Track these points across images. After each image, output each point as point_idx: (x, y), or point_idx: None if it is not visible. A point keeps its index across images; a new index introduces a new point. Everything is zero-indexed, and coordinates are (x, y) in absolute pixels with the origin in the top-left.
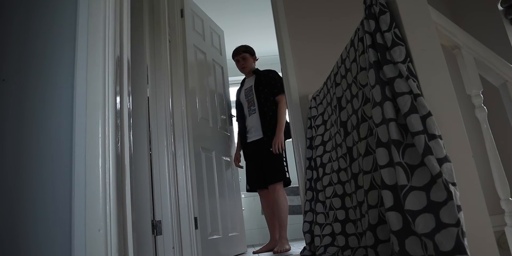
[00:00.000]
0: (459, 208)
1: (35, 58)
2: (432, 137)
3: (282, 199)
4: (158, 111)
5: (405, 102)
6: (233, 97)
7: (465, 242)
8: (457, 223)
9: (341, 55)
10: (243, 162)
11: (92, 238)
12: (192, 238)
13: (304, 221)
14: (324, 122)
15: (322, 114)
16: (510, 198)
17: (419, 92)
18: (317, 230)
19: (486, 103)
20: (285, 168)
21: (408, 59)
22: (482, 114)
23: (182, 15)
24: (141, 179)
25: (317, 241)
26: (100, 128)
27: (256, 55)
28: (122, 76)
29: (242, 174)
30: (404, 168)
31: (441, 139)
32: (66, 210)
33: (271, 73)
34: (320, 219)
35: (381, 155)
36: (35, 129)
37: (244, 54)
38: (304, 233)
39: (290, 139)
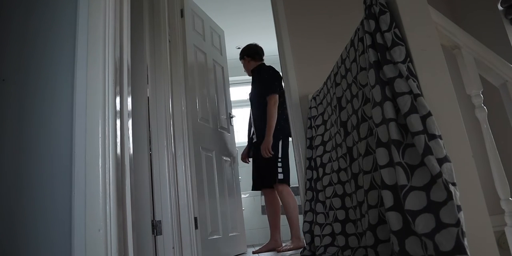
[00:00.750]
0: (459, 208)
1: (35, 58)
2: (432, 137)
3: (287, 198)
4: (158, 111)
5: (405, 102)
6: (233, 97)
7: (465, 242)
8: (457, 223)
9: (341, 55)
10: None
11: (92, 238)
12: (192, 238)
13: (304, 221)
14: (324, 122)
15: (322, 114)
16: (510, 198)
17: (419, 92)
18: (317, 230)
19: (486, 103)
20: (279, 169)
21: (408, 59)
22: (482, 114)
23: (182, 15)
24: (141, 179)
25: (317, 241)
26: (100, 128)
27: None
28: (122, 76)
29: (242, 174)
30: (404, 168)
31: (441, 139)
32: (66, 210)
33: (262, 72)
34: (320, 219)
35: (381, 155)
36: (35, 129)
37: (242, 61)
38: (304, 233)
39: (291, 138)
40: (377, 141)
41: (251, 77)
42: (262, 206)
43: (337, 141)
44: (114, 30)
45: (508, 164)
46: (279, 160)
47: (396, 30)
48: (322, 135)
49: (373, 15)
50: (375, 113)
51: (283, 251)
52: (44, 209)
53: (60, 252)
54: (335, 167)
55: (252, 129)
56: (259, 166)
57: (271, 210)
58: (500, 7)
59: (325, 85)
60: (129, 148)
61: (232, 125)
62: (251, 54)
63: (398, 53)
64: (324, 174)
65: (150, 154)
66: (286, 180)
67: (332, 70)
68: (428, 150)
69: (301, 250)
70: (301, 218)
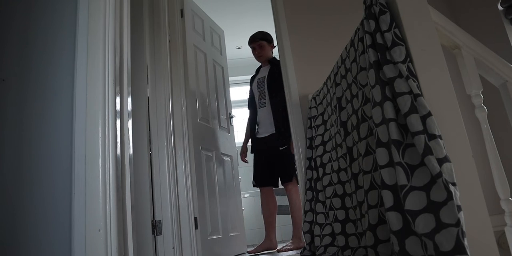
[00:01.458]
0: (459, 208)
1: (35, 58)
2: (432, 137)
3: (295, 197)
4: (158, 111)
5: (405, 102)
6: (233, 97)
7: (465, 242)
8: (457, 223)
9: (341, 55)
10: (249, 157)
11: (92, 238)
12: (192, 238)
13: (304, 221)
14: (324, 122)
15: (322, 114)
16: (510, 198)
17: (419, 92)
18: (317, 230)
19: (486, 103)
20: (295, 166)
21: (408, 59)
22: (482, 114)
23: (182, 15)
24: (141, 179)
25: (317, 241)
26: (100, 128)
27: None
28: (122, 76)
29: (242, 174)
30: (404, 168)
31: (441, 139)
32: (66, 210)
33: None
34: (320, 219)
35: (381, 155)
36: (35, 129)
37: (261, 42)
38: (304, 233)
39: None
40: (377, 141)
41: (252, 71)
42: None
43: (337, 141)
44: (114, 30)
45: (508, 164)
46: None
47: (396, 30)
48: (322, 135)
49: (373, 15)
50: (375, 113)
51: (283, 251)
52: (44, 209)
53: (60, 252)
54: (335, 167)
55: (261, 123)
56: (270, 161)
57: (268, 209)
58: (500, 7)
59: (325, 85)
60: (129, 148)
61: (232, 125)
62: (271, 41)
63: (398, 53)
64: (324, 174)
65: (150, 154)
66: (297, 178)
67: (332, 70)
68: (428, 150)
69: (301, 250)
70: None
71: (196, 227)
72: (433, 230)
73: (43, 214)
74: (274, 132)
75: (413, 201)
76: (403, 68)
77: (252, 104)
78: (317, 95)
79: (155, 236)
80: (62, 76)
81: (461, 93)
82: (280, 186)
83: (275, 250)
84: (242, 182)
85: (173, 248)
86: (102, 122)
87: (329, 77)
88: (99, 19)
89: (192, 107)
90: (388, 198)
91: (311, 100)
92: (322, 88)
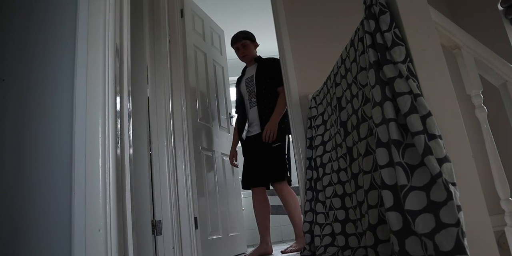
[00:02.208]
0: (459, 208)
1: (35, 58)
2: (432, 137)
3: (288, 197)
4: (158, 111)
5: (405, 102)
6: (233, 97)
7: (465, 242)
8: (457, 223)
9: (341, 55)
10: (240, 160)
11: (92, 238)
12: (192, 238)
13: (304, 221)
14: (324, 122)
15: (322, 114)
16: (510, 198)
17: (419, 92)
18: (317, 230)
19: (486, 103)
20: (287, 166)
21: (408, 59)
22: (482, 114)
23: (182, 15)
24: (141, 179)
25: (317, 241)
26: (100, 128)
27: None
28: (122, 76)
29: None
30: (404, 168)
31: (441, 139)
32: (66, 210)
33: (275, 62)
34: (320, 219)
35: (381, 155)
36: (35, 129)
37: (244, 41)
38: (304, 233)
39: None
40: (377, 141)
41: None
42: None
43: (337, 141)
44: (114, 31)
45: (508, 164)
46: (286, 156)
47: (396, 30)
48: (322, 135)
49: (373, 15)
50: (375, 113)
51: (288, 252)
52: (44, 209)
53: (60, 252)
54: (335, 167)
55: (253, 123)
56: (258, 160)
57: (262, 211)
58: (500, 7)
59: (325, 85)
60: (129, 148)
61: (232, 125)
62: (254, 39)
63: (398, 53)
64: (324, 174)
65: (150, 154)
66: (289, 178)
67: (332, 70)
68: (428, 150)
69: (301, 250)
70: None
71: (196, 227)
72: (433, 230)
73: (43, 214)
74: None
75: (413, 201)
76: (403, 68)
77: (240, 106)
78: (317, 95)
79: (155, 236)
80: (62, 76)
81: (461, 93)
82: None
83: (271, 254)
84: None
85: (173, 248)
86: (102, 122)
87: (329, 77)
88: (99, 19)
89: (192, 107)
90: (388, 198)
91: (311, 100)
92: (322, 88)
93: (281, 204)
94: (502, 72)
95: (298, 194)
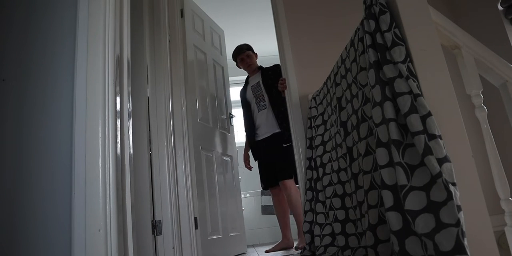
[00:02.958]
0: (459, 208)
1: (35, 58)
2: (432, 137)
3: (296, 196)
4: (158, 111)
5: (405, 102)
6: (233, 97)
7: (465, 242)
8: (457, 223)
9: (341, 55)
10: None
11: (92, 238)
12: (192, 238)
13: (304, 221)
14: (324, 122)
15: (322, 114)
16: (510, 198)
17: (419, 92)
18: (317, 230)
19: (486, 103)
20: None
21: (408, 59)
22: (482, 114)
23: (182, 15)
24: (141, 179)
25: (317, 241)
26: (100, 128)
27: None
28: (122, 76)
29: (242, 174)
30: (404, 168)
31: (441, 139)
32: (66, 210)
33: (279, 67)
34: (320, 219)
35: (381, 155)
36: (35, 129)
37: (248, 52)
38: (304, 233)
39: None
40: (377, 141)
41: (245, 76)
42: (262, 206)
43: (337, 141)
44: (114, 30)
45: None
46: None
47: (396, 30)
48: (322, 135)
49: (373, 15)
50: (375, 113)
51: (299, 249)
52: (44, 209)
53: (60, 252)
54: (335, 167)
55: (261, 125)
56: (272, 161)
57: (281, 210)
58: (500, 7)
59: (325, 85)
60: (129, 148)
61: (232, 125)
62: (254, 51)
63: (398, 53)
64: (324, 174)
65: (150, 154)
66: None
67: (332, 70)
68: (428, 150)
69: (301, 250)
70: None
71: (196, 227)
72: (433, 230)
73: (43, 214)
74: (277, 131)
75: (413, 201)
76: (403, 68)
77: (247, 115)
78: (317, 95)
79: (155, 236)
80: (62, 76)
81: (461, 93)
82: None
83: (293, 248)
84: (242, 182)
85: (173, 248)
86: (102, 122)
87: (329, 77)
88: (99, 19)
89: (192, 107)
90: (388, 198)
91: (311, 100)
92: (322, 88)
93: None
94: (502, 72)
95: None
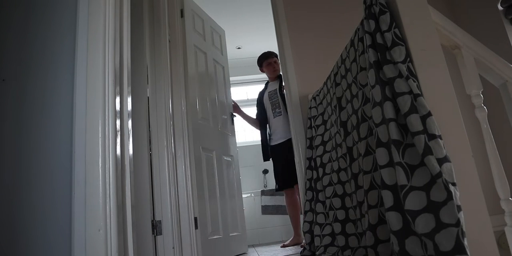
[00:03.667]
0: (459, 208)
1: (35, 58)
2: (432, 137)
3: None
4: (158, 112)
5: (405, 102)
6: (234, 97)
7: (465, 242)
8: (457, 223)
9: (341, 55)
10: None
11: (92, 238)
12: (192, 238)
13: (304, 221)
14: (324, 122)
15: (322, 114)
16: (510, 198)
17: (419, 92)
18: (317, 230)
19: (486, 103)
20: None
21: (408, 59)
22: (482, 114)
23: (182, 15)
24: (141, 179)
25: (317, 241)
26: (100, 129)
27: (256, 55)
28: (122, 76)
29: (242, 174)
30: (404, 168)
31: (441, 139)
32: (66, 210)
33: None
34: (320, 219)
35: (381, 155)
36: (35, 129)
37: (276, 58)
38: (304, 233)
39: None
40: (377, 141)
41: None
42: (262, 206)
43: (337, 141)
44: (114, 30)
45: (508, 164)
46: None
47: (396, 30)
48: (322, 135)
49: (373, 15)
50: (375, 113)
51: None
52: (44, 209)
53: (60, 252)
54: (335, 167)
55: (276, 131)
56: (287, 165)
57: (293, 210)
58: (500, 7)
59: (325, 85)
60: (129, 148)
61: (233, 125)
62: None
63: (398, 53)
64: (324, 174)
65: (150, 154)
66: None
67: (332, 70)
68: (428, 150)
69: (301, 250)
70: (301, 218)
71: (196, 227)
72: (433, 230)
73: (43, 214)
74: (291, 136)
75: (413, 201)
76: (403, 68)
77: (263, 115)
78: (317, 95)
79: (155, 236)
80: (62, 76)
81: (461, 93)
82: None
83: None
84: (243, 182)
85: (173, 248)
86: (102, 122)
87: (329, 77)
88: (99, 19)
89: (192, 107)
90: (388, 198)
91: (311, 100)
92: (322, 88)
93: (282, 204)
94: (502, 72)
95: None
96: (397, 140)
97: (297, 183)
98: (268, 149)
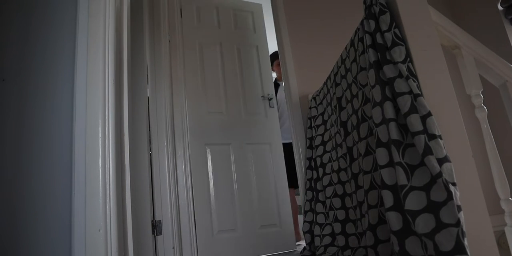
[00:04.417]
0: (459, 208)
1: (36, 58)
2: (432, 137)
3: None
4: (158, 111)
5: (405, 102)
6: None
7: (465, 242)
8: (457, 223)
9: (341, 55)
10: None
11: (92, 238)
12: (192, 238)
13: (304, 221)
14: (324, 122)
15: (322, 114)
16: (510, 198)
17: (419, 92)
18: (317, 230)
19: (486, 103)
20: None
21: (408, 59)
22: (482, 114)
23: (181, 15)
24: (141, 179)
25: (317, 241)
26: (100, 128)
27: None
28: (122, 76)
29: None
30: (404, 168)
31: (441, 139)
32: (66, 210)
33: None
34: (320, 219)
35: (381, 155)
36: (35, 129)
37: (275, 62)
38: (304, 233)
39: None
40: (377, 141)
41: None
42: None
43: (337, 141)
44: (114, 30)
45: (508, 164)
46: None
47: (396, 30)
48: (322, 135)
49: (373, 15)
50: (375, 113)
51: None
52: (44, 209)
53: (60, 252)
54: (335, 167)
55: (286, 130)
56: (292, 167)
57: (292, 208)
58: (500, 7)
59: (325, 85)
60: (129, 148)
61: (272, 107)
62: None
63: (398, 53)
64: (324, 174)
65: (150, 154)
66: None
67: (332, 70)
68: (428, 150)
69: (301, 250)
70: (300, 218)
71: (196, 227)
72: (433, 230)
73: (43, 214)
74: None
75: (413, 201)
76: (403, 68)
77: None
78: (317, 95)
79: (155, 236)
80: (62, 76)
81: (461, 93)
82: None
83: (300, 240)
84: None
85: (173, 248)
86: (102, 122)
87: (329, 77)
88: (99, 19)
89: (194, 103)
90: (388, 198)
91: (311, 100)
92: (322, 88)
93: None
94: (502, 72)
95: (297, 194)
96: (397, 140)
97: (296, 186)
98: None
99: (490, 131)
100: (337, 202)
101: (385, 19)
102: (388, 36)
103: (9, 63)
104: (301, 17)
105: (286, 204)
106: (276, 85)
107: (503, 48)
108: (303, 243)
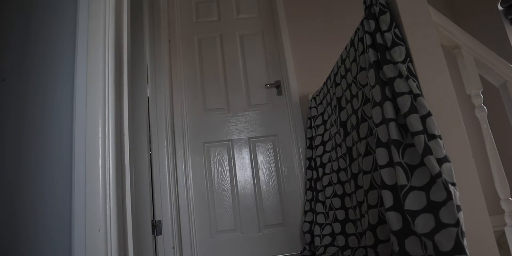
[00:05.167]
0: (458, 208)
1: (36, 58)
2: (432, 137)
3: None
4: (158, 111)
5: (405, 102)
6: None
7: (465, 242)
8: (457, 223)
9: (341, 55)
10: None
11: (92, 238)
12: (192, 238)
13: (304, 221)
14: (324, 122)
15: (322, 114)
16: (510, 198)
17: (419, 92)
18: (317, 230)
19: (486, 103)
20: None
21: (408, 59)
22: (482, 114)
23: (180, 13)
24: (141, 179)
25: (317, 241)
26: (100, 128)
27: None
28: (122, 76)
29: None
30: (404, 168)
31: (441, 139)
32: (66, 210)
33: None
34: (320, 219)
35: (381, 155)
36: (35, 129)
37: None
38: (304, 233)
39: None
40: (377, 141)
41: None
42: None
43: (337, 141)
44: (114, 30)
45: (508, 164)
46: None
47: (396, 30)
48: (322, 135)
49: (373, 15)
50: (375, 113)
51: None
52: (44, 209)
53: (60, 252)
54: (335, 167)
55: None
56: None
57: None
58: (500, 7)
59: (325, 85)
60: (129, 148)
61: (282, 95)
62: None
63: (398, 53)
64: (324, 174)
65: (150, 154)
66: None
67: (332, 70)
68: (428, 150)
69: (301, 250)
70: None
71: (195, 227)
72: (433, 230)
73: (43, 214)
74: None
75: (413, 201)
76: (403, 68)
77: None
78: (317, 95)
79: (155, 236)
80: (62, 76)
81: (461, 93)
82: None
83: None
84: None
85: (173, 248)
86: (102, 122)
87: (329, 77)
88: (99, 19)
89: (194, 102)
90: (388, 198)
91: (311, 100)
92: (322, 88)
93: None
94: (502, 72)
95: None
96: (397, 140)
97: None
98: None
99: (490, 131)
100: (336, 202)
101: (385, 19)
102: (388, 36)
103: (9, 63)
104: (301, 18)
105: (293, 202)
106: None
107: (503, 48)
108: None
